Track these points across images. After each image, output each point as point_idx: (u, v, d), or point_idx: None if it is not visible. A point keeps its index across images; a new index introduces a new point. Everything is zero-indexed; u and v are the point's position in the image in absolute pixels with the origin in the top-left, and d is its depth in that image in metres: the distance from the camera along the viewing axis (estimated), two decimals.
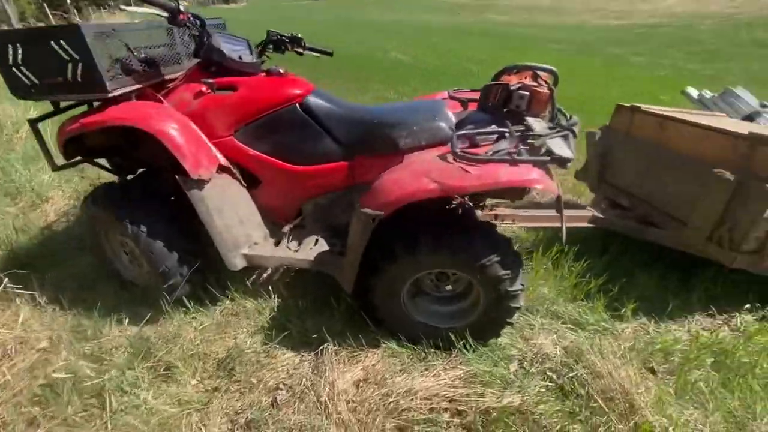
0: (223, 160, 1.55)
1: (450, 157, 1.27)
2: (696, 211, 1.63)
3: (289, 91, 1.55)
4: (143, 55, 1.53)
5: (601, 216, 1.91)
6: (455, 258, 1.33)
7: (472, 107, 1.61)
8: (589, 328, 1.59)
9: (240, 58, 1.58)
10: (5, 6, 5.48)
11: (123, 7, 1.33)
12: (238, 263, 1.57)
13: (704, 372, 1.40)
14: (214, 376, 1.43)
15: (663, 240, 1.78)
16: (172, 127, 1.38)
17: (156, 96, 1.58)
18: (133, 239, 1.53)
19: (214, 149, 1.56)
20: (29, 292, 1.72)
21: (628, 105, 2.05)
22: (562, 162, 1.24)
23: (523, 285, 1.39)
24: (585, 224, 1.90)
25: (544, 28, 14.27)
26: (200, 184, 1.41)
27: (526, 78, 1.41)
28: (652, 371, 1.43)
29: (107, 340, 1.54)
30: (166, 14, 1.39)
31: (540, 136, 1.27)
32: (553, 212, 1.76)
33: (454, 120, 1.47)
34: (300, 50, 1.85)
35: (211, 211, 1.46)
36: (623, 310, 1.67)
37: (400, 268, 1.38)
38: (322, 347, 1.48)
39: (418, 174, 1.25)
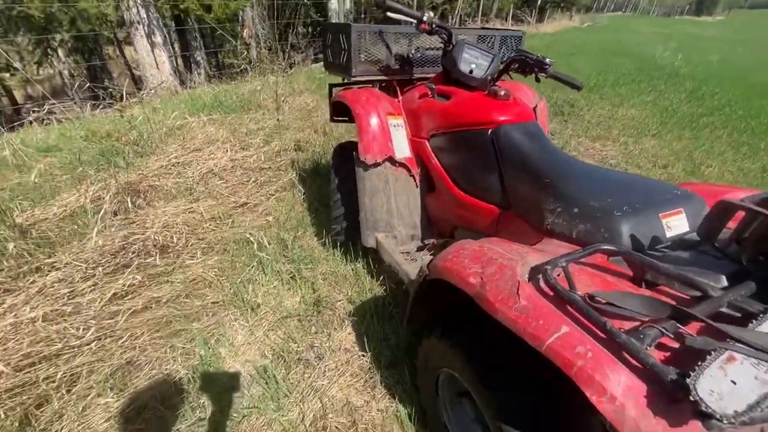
0: (403, 157, 1.73)
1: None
2: None
3: (488, 114, 1.48)
4: (401, 54, 1.84)
5: None
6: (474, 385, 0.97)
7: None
8: None
9: (471, 72, 1.62)
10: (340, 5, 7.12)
11: (389, 14, 1.61)
12: (370, 242, 1.79)
13: None
14: (310, 307, 1.80)
15: None
16: (366, 114, 1.67)
17: (397, 90, 1.90)
18: (330, 191, 2.03)
19: (404, 145, 1.75)
20: None
21: None
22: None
23: None
24: None
25: None
26: (365, 165, 1.66)
27: None
28: None
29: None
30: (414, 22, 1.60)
31: None
32: None
33: (665, 232, 0.96)
34: (542, 75, 1.63)
35: (365, 191, 1.71)
36: None
37: (431, 349, 1.16)
38: (365, 356, 1.53)
39: (501, 270, 0.84)
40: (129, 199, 2.19)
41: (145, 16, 6.50)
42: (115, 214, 2.20)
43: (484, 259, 0.91)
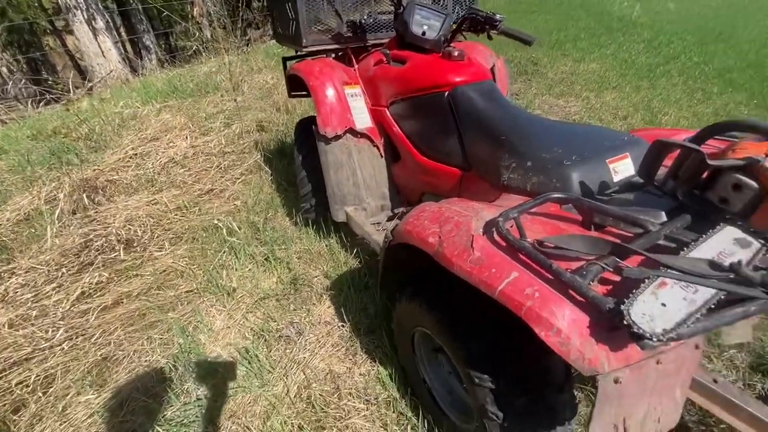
0: (364, 127, 1.71)
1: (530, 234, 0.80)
2: None
3: (443, 76, 1.47)
4: (353, 20, 1.79)
5: None
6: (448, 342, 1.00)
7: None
8: None
9: (423, 33, 1.59)
10: None
11: None
12: (340, 216, 1.79)
13: None
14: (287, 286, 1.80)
15: None
16: (321, 85, 1.63)
17: (352, 58, 1.85)
18: (296, 169, 2.00)
19: (364, 115, 1.73)
20: None
21: None
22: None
23: None
24: None
25: None
26: (326, 139, 1.64)
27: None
28: None
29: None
30: None
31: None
32: None
33: (613, 177, 1.00)
34: (494, 33, 1.62)
35: (328, 165, 1.69)
36: None
37: (403, 310, 1.20)
38: (344, 326, 1.56)
39: (457, 227, 0.87)
40: (86, 197, 2.10)
41: (82, 0, 6.01)
42: (74, 212, 2.11)
43: (441, 218, 0.94)
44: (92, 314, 1.56)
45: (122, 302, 1.66)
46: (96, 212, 2.07)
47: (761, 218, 0.74)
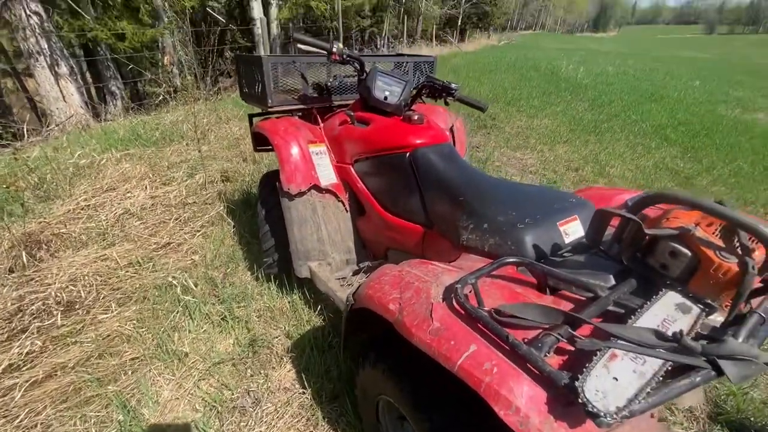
0: (329, 183, 1.72)
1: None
2: None
3: (404, 138, 1.53)
4: (318, 82, 1.86)
5: None
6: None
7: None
8: None
9: (385, 98, 1.67)
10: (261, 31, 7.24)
11: (300, 47, 1.63)
12: (303, 272, 1.74)
13: None
14: (244, 349, 1.69)
15: None
16: (286, 144, 1.65)
17: (317, 118, 1.91)
18: (259, 223, 1.96)
19: (329, 172, 1.75)
20: None
21: None
22: None
23: None
24: None
25: None
26: (290, 195, 1.63)
27: (697, 222, 0.81)
28: None
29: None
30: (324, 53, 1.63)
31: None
32: None
33: (564, 239, 1.05)
34: (450, 99, 1.74)
35: (292, 221, 1.67)
36: None
37: (366, 376, 1.15)
38: (305, 393, 1.47)
39: (417, 294, 0.87)
40: (25, 253, 1.94)
41: (46, 46, 5.94)
42: (11, 271, 1.93)
43: (402, 283, 0.93)
44: (18, 391, 1.38)
45: (55, 375, 1.48)
46: (36, 270, 1.90)
47: (698, 284, 0.78)
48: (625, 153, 4.20)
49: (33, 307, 1.65)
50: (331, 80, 1.91)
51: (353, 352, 1.40)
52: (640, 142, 4.53)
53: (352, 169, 1.73)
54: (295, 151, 1.66)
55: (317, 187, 1.68)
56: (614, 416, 0.56)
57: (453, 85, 1.69)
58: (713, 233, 0.78)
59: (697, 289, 0.78)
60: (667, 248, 0.80)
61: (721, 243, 0.76)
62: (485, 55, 11.37)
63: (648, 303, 0.77)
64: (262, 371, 1.58)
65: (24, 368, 1.49)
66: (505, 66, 8.92)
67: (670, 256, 0.80)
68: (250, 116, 2.10)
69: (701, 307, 0.77)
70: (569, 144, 4.40)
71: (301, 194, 1.65)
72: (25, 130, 4.22)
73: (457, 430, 0.87)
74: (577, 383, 0.60)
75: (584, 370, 0.62)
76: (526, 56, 11.02)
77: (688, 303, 0.78)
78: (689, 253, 0.78)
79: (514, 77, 7.68)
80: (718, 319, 0.78)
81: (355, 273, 1.79)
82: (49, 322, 1.63)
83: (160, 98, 5.41)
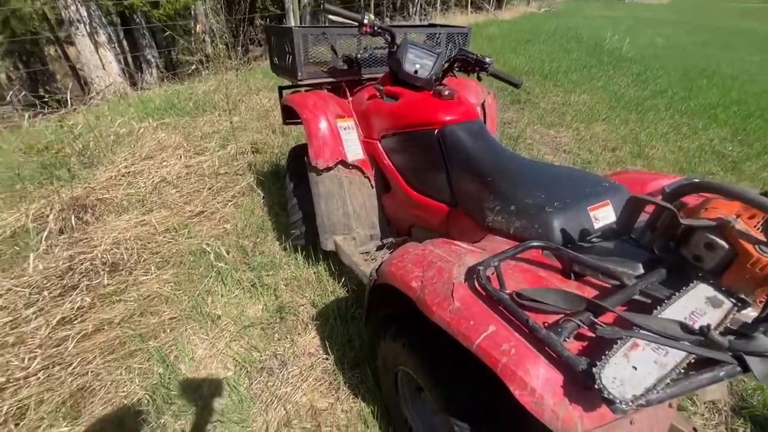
0: (356, 159, 1.73)
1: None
2: None
3: (433, 114, 1.51)
4: (349, 55, 1.84)
5: None
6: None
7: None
8: None
9: (416, 72, 1.63)
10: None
11: (331, 17, 1.61)
12: (329, 245, 1.79)
13: None
14: (272, 314, 1.79)
15: None
16: (315, 118, 1.66)
17: (346, 91, 1.89)
18: (287, 195, 2.01)
19: (356, 147, 1.76)
20: None
21: None
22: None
23: None
24: None
25: None
26: (317, 170, 1.66)
27: (738, 213, 0.78)
28: None
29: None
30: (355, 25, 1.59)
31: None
32: None
33: (593, 224, 1.03)
34: (483, 74, 1.67)
35: (319, 195, 1.71)
36: None
37: (387, 349, 1.19)
38: (328, 359, 1.54)
39: (439, 273, 0.88)
40: (74, 216, 2.09)
41: (85, 14, 6.10)
42: (61, 232, 2.09)
43: (425, 262, 0.95)
44: (71, 342, 1.53)
45: (103, 329, 1.63)
46: (83, 233, 2.05)
47: (732, 278, 0.76)
48: (669, 133, 3.95)
49: (82, 266, 1.79)
50: (361, 52, 1.88)
51: (375, 324, 1.45)
52: (685, 122, 4.23)
53: (379, 145, 1.73)
54: (323, 125, 1.66)
55: (344, 163, 1.70)
56: (630, 404, 0.57)
57: (487, 59, 1.62)
58: (755, 226, 0.74)
59: (730, 283, 0.76)
60: (702, 239, 0.77)
61: (762, 237, 0.72)
62: (523, 24, 10.73)
63: (677, 294, 0.76)
64: (288, 336, 1.67)
65: (75, 321, 1.64)
66: (544, 36, 8.41)
67: (706, 247, 0.77)
68: (280, 88, 2.11)
69: (733, 301, 0.74)
70: (608, 122, 4.17)
71: (328, 169, 1.67)
72: (68, 97, 4.41)
73: (473, 407, 0.91)
74: (594, 369, 0.60)
75: (603, 357, 0.63)
76: (567, 25, 10.33)
77: (720, 297, 0.75)
78: (726, 246, 0.75)
79: (553, 48, 7.25)
80: (750, 314, 0.75)
81: (379, 248, 1.82)
82: (97, 281, 1.77)
83: (193, 67, 5.48)
